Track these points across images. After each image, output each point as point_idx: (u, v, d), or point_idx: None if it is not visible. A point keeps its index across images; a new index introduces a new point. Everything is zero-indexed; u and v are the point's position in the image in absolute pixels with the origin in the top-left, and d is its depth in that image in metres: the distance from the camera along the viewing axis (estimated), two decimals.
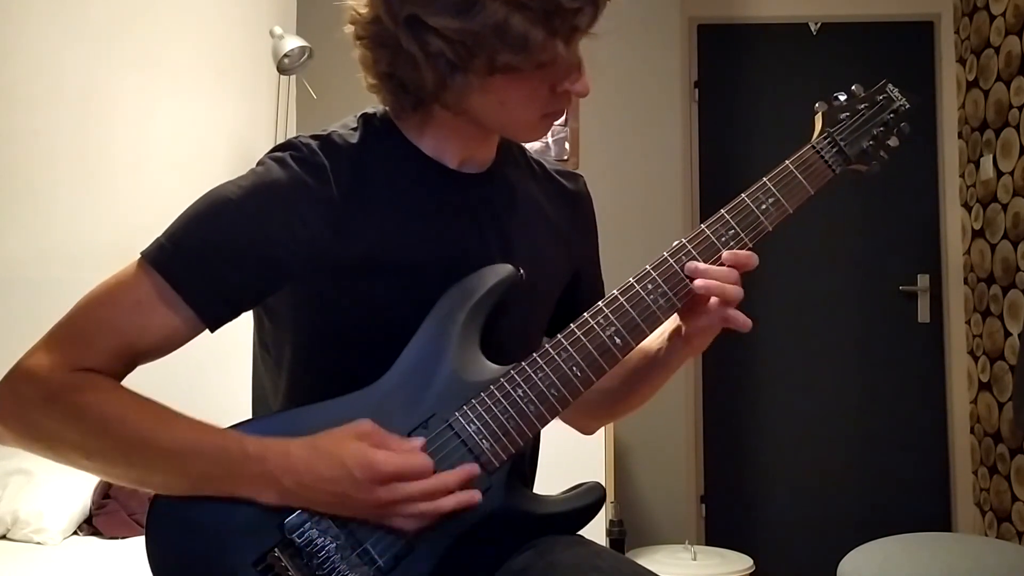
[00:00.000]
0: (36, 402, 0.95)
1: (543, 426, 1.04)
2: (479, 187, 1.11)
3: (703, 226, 1.09)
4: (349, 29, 1.04)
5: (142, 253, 1.00)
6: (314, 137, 1.06)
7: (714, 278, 1.06)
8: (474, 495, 0.97)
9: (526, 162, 1.21)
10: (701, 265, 1.06)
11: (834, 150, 1.15)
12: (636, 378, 1.20)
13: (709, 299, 1.07)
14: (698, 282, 1.06)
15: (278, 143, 1.08)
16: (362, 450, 0.94)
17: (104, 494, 2.20)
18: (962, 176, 3.88)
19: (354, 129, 1.09)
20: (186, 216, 1.01)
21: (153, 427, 0.95)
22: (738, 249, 1.09)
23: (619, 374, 1.18)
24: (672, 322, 1.13)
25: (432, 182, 1.09)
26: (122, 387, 0.98)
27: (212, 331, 1.01)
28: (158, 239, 1.00)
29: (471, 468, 0.98)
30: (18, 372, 0.97)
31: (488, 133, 1.11)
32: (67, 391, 0.95)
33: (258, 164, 1.05)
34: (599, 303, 1.06)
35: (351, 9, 1.03)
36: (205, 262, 0.98)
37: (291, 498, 0.95)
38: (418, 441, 0.98)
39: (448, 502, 0.95)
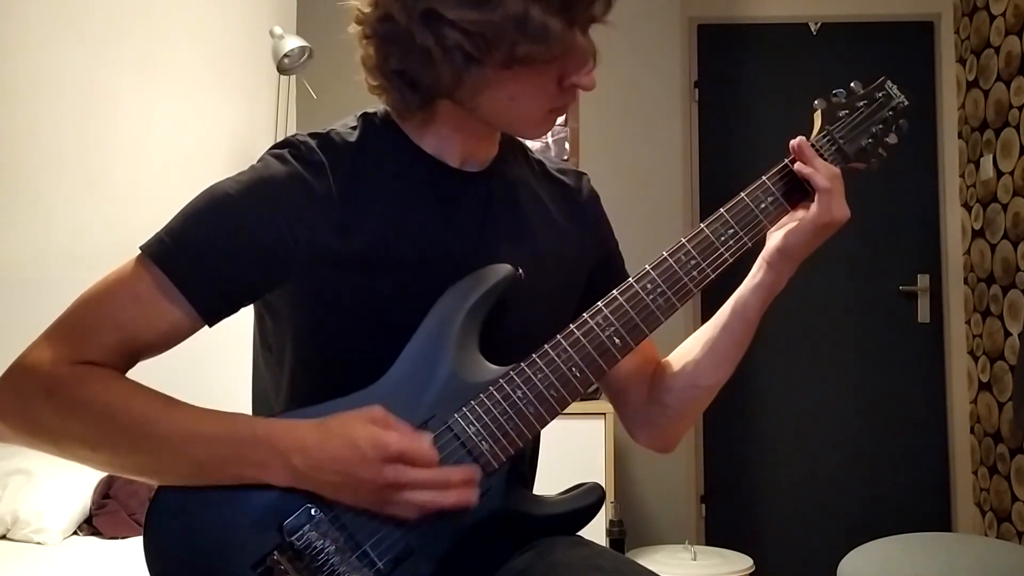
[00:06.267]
0: (38, 397, 0.95)
1: (542, 427, 1.04)
2: (480, 185, 1.11)
3: (703, 225, 1.09)
4: (355, 29, 1.04)
5: (141, 248, 1.00)
6: (313, 135, 1.06)
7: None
8: (473, 494, 0.97)
9: (527, 161, 1.21)
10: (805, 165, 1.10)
11: (833, 148, 1.15)
12: (727, 335, 1.16)
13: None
14: (797, 165, 1.10)
15: (277, 141, 1.08)
16: (372, 430, 0.95)
17: (104, 494, 2.19)
18: (962, 176, 3.88)
19: (353, 128, 1.09)
20: (185, 211, 1.01)
21: (159, 411, 0.96)
22: (738, 249, 1.09)
23: (705, 350, 1.17)
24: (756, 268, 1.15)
25: (432, 180, 1.09)
26: (124, 377, 0.98)
27: (210, 326, 1.01)
28: (157, 234, 1.00)
29: (474, 469, 0.98)
30: (19, 368, 0.97)
31: (491, 131, 1.11)
32: (69, 384, 0.95)
33: (258, 161, 1.05)
34: (598, 303, 1.06)
35: (355, 9, 1.03)
36: (204, 256, 0.99)
37: (299, 477, 0.95)
38: (428, 436, 0.98)
39: (449, 497, 0.95)
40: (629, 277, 1.08)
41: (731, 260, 1.09)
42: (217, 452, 0.95)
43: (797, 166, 1.10)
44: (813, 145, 1.14)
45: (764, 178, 1.11)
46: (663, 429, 1.24)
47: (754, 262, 1.16)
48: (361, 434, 0.94)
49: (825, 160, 1.13)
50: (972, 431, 3.80)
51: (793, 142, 1.11)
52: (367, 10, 1.01)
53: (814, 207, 1.10)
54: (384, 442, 0.94)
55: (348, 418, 0.96)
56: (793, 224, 1.12)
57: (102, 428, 0.95)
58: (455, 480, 0.96)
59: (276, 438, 0.95)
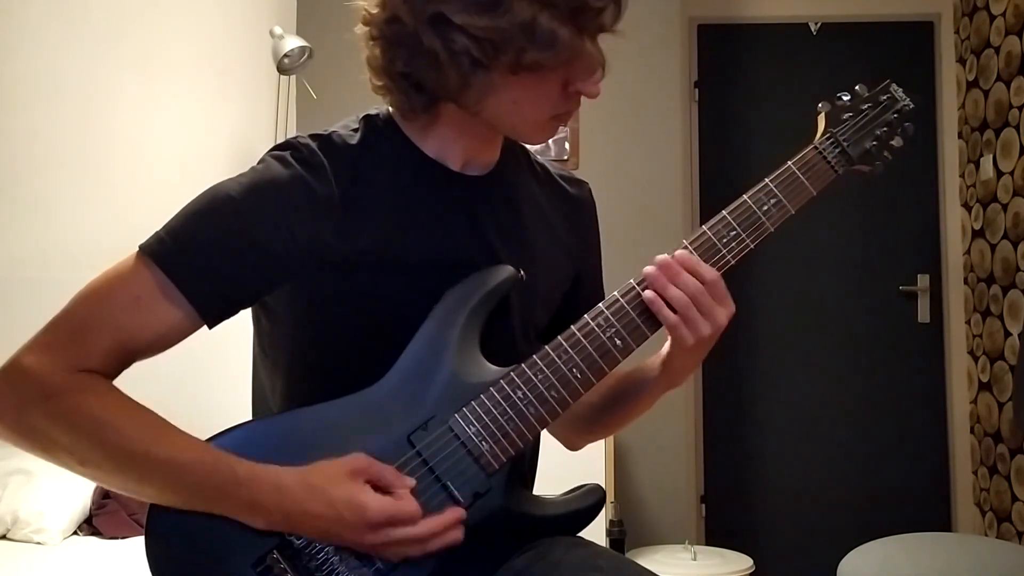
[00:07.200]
0: (32, 402, 0.94)
1: (543, 428, 1.04)
2: (481, 188, 1.11)
3: (704, 227, 1.09)
4: (362, 29, 1.04)
5: (140, 247, 0.99)
6: (314, 137, 1.06)
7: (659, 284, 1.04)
8: (457, 535, 0.98)
9: (529, 165, 1.20)
10: (653, 271, 1.04)
11: (837, 151, 1.14)
12: (620, 398, 1.20)
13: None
14: (647, 293, 1.04)
15: (278, 143, 1.08)
16: (354, 493, 0.94)
17: (104, 494, 2.20)
18: (962, 176, 3.88)
19: (355, 130, 1.08)
20: (186, 212, 1.01)
21: (146, 440, 0.94)
22: (740, 250, 1.09)
23: (605, 392, 1.18)
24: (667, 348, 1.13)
25: (433, 183, 1.08)
26: (119, 393, 0.97)
27: (210, 327, 1.01)
28: (157, 233, 1.00)
29: (457, 513, 0.98)
30: (15, 369, 0.96)
31: (494, 135, 1.11)
32: (64, 394, 0.94)
33: (259, 162, 1.05)
34: (599, 305, 1.06)
35: (363, 9, 1.03)
36: (205, 257, 0.98)
37: (279, 527, 0.95)
38: (410, 481, 0.98)
39: (433, 544, 0.96)
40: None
41: (733, 262, 1.09)
42: (198, 491, 0.94)
43: (647, 294, 1.04)
44: (816, 147, 1.13)
45: (767, 180, 1.11)
46: (573, 432, 1.27)
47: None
48: (341, 496, 0.94)
49: (829, 163, 1.12)
50: (972, 431, 3.80)
51: (648, 269, 1.04)
52: (374, 11, 1.01)
53: (669, 345, 1.09)
54: (364, 507, 0.93)
55: (331, 474, 0.95)
56: (667, 348, 1.11)
57: (90, 446, 0.94)
58: (438, 529, 0.96)
59: (256, 489, 0.94)
